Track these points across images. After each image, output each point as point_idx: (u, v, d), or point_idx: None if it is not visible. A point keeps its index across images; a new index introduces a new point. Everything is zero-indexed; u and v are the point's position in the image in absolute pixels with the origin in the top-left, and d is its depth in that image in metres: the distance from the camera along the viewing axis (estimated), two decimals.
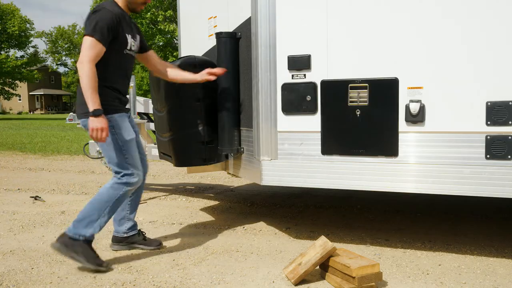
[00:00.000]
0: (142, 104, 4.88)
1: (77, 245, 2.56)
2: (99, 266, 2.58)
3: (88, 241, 2.61)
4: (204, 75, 2.98)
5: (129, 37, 2.69)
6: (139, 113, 4.92)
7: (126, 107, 2.80)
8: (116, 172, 2.65)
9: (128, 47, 2.70)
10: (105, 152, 2.66)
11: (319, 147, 2.75)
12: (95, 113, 2.45)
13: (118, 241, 2.96)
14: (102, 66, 2.55)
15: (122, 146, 2.63)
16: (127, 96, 2.86)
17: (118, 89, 2.69)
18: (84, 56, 2.47)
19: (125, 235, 2.95)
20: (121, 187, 2.64)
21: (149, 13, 23.56)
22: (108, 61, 2.58)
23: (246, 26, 3.02)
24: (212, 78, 2.99)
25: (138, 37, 2.84)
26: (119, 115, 2.65)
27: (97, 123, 2.45)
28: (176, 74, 3.01)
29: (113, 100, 2.65)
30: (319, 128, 2.74)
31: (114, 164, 2.64)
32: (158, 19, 23.43)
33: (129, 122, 2.73)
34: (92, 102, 2.45)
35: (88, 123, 2.49)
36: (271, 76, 2.80)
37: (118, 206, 2.71)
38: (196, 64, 3.22)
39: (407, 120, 2.55)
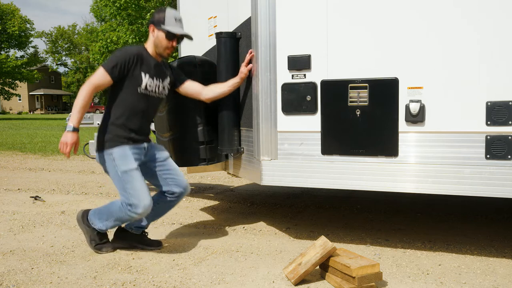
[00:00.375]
0: None
1: (88, 227, 2.91)
2: (97, 250, 2.91)
3: (99, 231, 2.90)
4: (244, 71, 2.98)
5: (145, 77, 2.77)
6: None
7: (142, 138, 2.85)
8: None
9: (143, 87, 2.77)
10: (114, 183, 2.79)
11: (319, 147, 2.75)
12: (69, 129, 2.65)
13: (120, 237, 2.97)
14: (115, 105, 2.77)
15: (122, 176, 2.71)
16: (146, 131, 2.91)
17: (129, 127, 2.77)
18: (88, 80, 2.71)
19: (129, 230, 2.98)
20: (125, 211, 2.73)
21: (148, 14, 23.58)
22: (120, 99, 2.77)
23: (246, 26, 3.02)
24: (250, 65, 2.98)
25: (167, 79, 2.93)
26: (120, 148, 2.73)
27: (66, 138, 2.65)
28: (223, 87, 3.06)
29: (119, 137, 2.75)
30: (319, 128, 2.74)
31: (120, 193, 2.75)
32: None
33: (132, 154, 2.75)
34: (73, 119, 2.66)
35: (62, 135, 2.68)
36: (271, 76, 2.80)
37: (123, 222, 2.85)
38: (196, 64, 3.22)
39: (407, 120, 2.55)
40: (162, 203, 2.94)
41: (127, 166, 2.71)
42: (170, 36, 2.79)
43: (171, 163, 2.95)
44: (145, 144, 2.87)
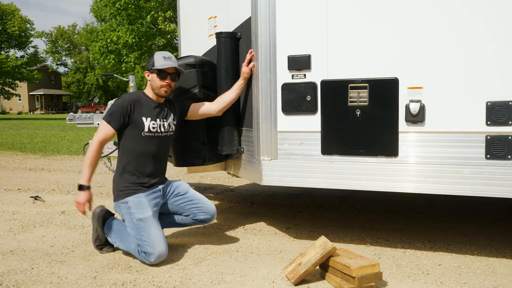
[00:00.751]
0: None
1: (99, 227, 2.93)
2: (98, 249, 2.94)
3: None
4: (247, 70, 2.97)
5: (146, 120, 2.83)
6: None
7: (156, 181, 2.90)
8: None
9: (146, 130, 2.82)
10: (130, 231, 2.81)
11: (319, 147, 2.75)
12: (79, 188, 2.73)
13: None
14: (125, 153, 2.85)
15: (137, 224, 2.74)
16: (160, 173, 2.96)
17: (142, 172, 2.84)
18: (94, 136, 2.81)
19: None
20: (139, 256, 2.73)
21: (148, 16, 23.59)
22: (128, 146, 2.86)
23: (246, 26, 3.02)
24: (252, 63, 2.94)
25: (171, 115, 2.97)
26: (135, 197, 2.79)
27: (79, 197, 2.73)
28: (231, 94, 3.07)
29: (132, 184, 2.82)
30: (319, 128, 2.74)
31: (137, 241, 2.74)
32: (158, 21, 23.44)
33: (148, 201, 2.79)
34: (83, 177, 2.74)
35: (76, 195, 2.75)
36: (271, 76, 2.80)
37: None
38: (196, 64, 3.23)
39: (407, 120, 2.55)
40: (185, 220, 2.98)
41: (142, 214, 2.75)
42: (161, 74, 2.85)
43: (193, 193, 2.99)
44: (160, 187, 2.92)
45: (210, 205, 2.97)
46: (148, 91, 2.94)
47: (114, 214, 3.03)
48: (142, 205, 2.77)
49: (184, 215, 2.97)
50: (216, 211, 2.99)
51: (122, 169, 2.84)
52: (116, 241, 2.87)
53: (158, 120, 2.88)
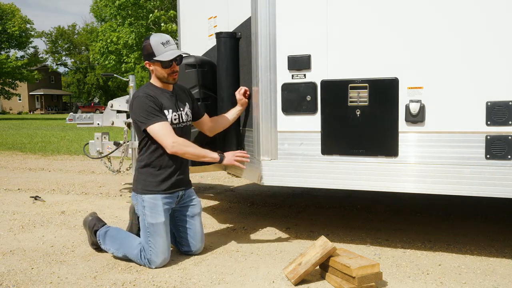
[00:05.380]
0: None
1: (92, 235, 2.92)
2: (97, 251, 2.92)
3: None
4: (240, 97, 3.05)
5: (169, 113, 2.72)
6: None
7: (178, 181, 2.79)
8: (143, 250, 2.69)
9: (169, 122, 2.71)
10: (140, 226, 2.77)
11: (319, 147, 2.75)
12: (221, 160, 2.74)
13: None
14: (147, 148, 2.72)
15: (148, 228, 2.68)
16: (184, 169, 2.88)
17: (165, 166, 2.73)
18: (165, 143, 2.63)
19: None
20: (141, 261, 2.68)
21: (152, 15, 23.60)
22: (152, 142, 2.70)
23: (246, 26, 3.02)
24: (242, 90, 3.03)
25: (187, 105, 2.89)
26: (152, 197, 2.70)
27: (228, 160, 2.77)
28: (229, 118, 3.07)
29: (152, 180, 2.72)
30: (319, 128, 2.74)
31: (143, 243, 2.69)
32: (161, 20, 23.45)
33: (163, 204, 2.70)
34: (210, 156, 2.72)
35: (225, 163, 2.77)
36: (271, 76, 2.80)
37: (130, 261, 2.77)
38: (196, 64, 3.23)
39: (407, 120, 2.55)
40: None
41: (155, 219, 2.67)
42: (166, 64, 2.70)
43: (195, 223, 2.88)
44: (180, 193, 2.83)
45: (199, 243, 2.87)
46: (155, 81, 2.78)
47: (105, 223, 2.95)
48: (156, 209, 2.68)
49: (172, 232, 2.90)
50: (201, 249, 2.90)
51: (144, 164, 2.72)
52: (111, 248, 2.80)
53: (178, 110, 2.78)
